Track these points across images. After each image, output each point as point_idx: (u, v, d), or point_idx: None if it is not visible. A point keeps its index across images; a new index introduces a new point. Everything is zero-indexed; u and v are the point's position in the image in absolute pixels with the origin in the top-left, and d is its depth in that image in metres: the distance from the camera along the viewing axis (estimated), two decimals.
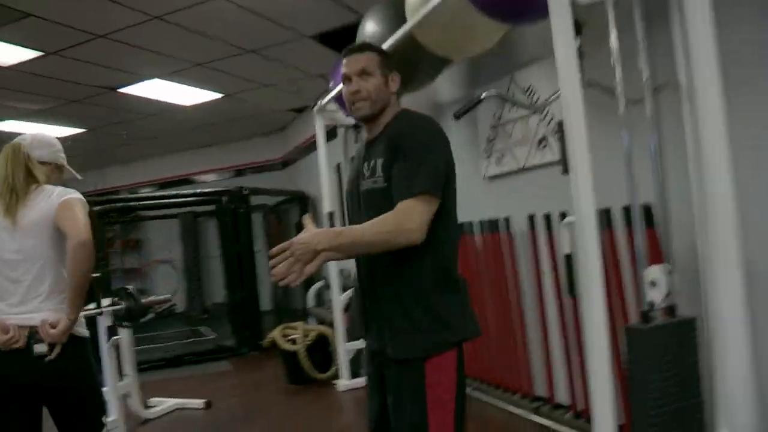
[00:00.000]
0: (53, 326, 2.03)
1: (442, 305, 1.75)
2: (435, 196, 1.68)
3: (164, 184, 10.58)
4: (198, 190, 7.38)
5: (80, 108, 6.79)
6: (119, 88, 6.18)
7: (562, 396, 3.57)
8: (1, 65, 5.12)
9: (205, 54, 5.51)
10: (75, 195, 2.15)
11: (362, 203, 1.85)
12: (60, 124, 7.44)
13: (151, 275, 10.80)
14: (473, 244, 4.24)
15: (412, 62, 3.83)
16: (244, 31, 5.05)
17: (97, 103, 6.63)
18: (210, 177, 10.16)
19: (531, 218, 3.66)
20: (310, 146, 7.15)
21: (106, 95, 6.38)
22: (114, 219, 8.75)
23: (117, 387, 3.52)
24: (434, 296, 1.74)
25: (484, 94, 3.20)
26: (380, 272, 1.80)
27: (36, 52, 4.93)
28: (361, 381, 4.65)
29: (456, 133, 4.68)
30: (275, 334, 5.30)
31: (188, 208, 9.10)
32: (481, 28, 3.22)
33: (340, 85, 4.45)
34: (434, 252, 1.74)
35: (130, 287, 3.70)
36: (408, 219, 1.62)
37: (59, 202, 2.10)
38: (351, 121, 5.05)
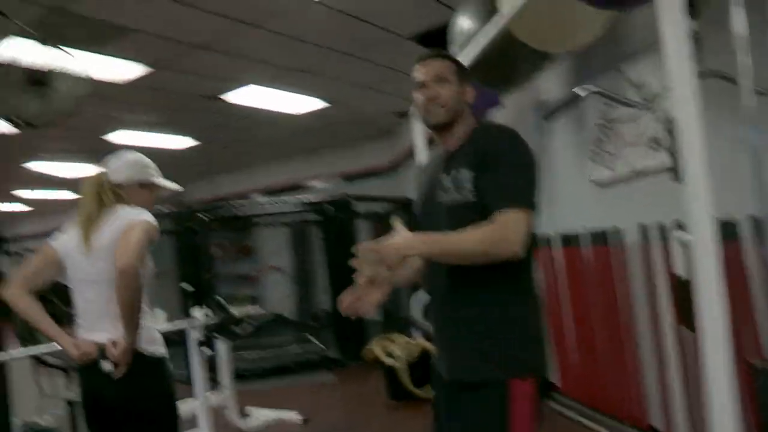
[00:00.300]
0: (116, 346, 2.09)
1: (525, 327, 1.68)
2: (533, 211, 1.63)
3: (274, 191, 10.81)
4: (301, 199, 7.40)
5: (189, 118, 6.99)
6: (221, 96, 6.29)
7: (681, 429, 3.13)
8: (114, 80, 5.33)
9: (304, 60, 5.46)
10: (139, 217, 2.15)
11: (443, 217, 1.74)
12: (171, 134, 7.72)
13: (263, 282, 11.03)
14: (578, 257, 3.87)
15: (510, 59, 3.54)
16: (342, 35, 4.97)
17: (204, 112, 6.79)
18: (319, 183, 10.22)
19: (644, 229, 3.25)
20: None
21: (210, 104, 6.51)
22: (225, 226, 8.95)
23: (207, 399, 3.48)
24: (518, 316, 1.67)
25: (578, 92, 2.86)
26: (461, 289, 1.71)
27: (144, 65, 5.09)
28: None
29: (559, 135, 4.33)
30: (374, 347, 5.16)
31: (295, 216, 9.15)
32: (583, 17, 2.89)
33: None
34: (522, 269, 1.68)
35: (221, 298, 3.69)
36: (510, 231, 1.57)
37: (123, 225, 2.12)
38: None
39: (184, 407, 3.67)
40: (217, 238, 10.53)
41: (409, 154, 8.03)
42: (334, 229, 7.12)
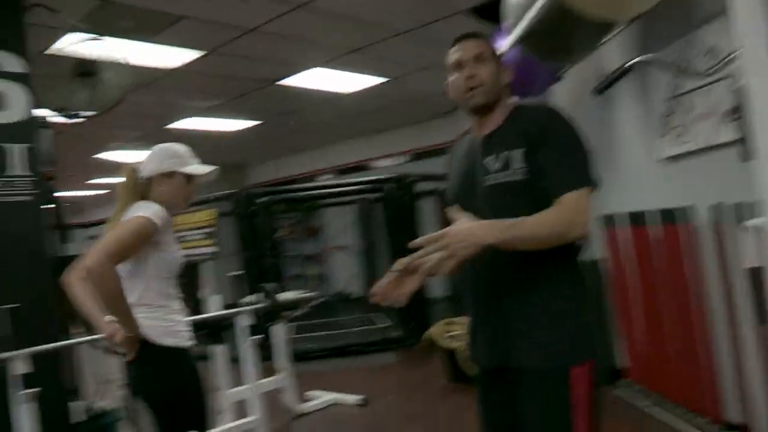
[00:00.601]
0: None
1: (581, 312, 1.64)
2: (594, 190, 1.59)
3: (340, 171, 10.86)
4: (363, 179, 7.36)
5: (248, 102, 7.03)
6: (279, 80, 6.29)
7: (763, 425, 2.89)
8: (169, 67, 5.40)
9: (358, 39, 5.38)
10: (136, 213, 2.14)
11: (488, 201, 1.67)
12: (232, 118, 7.81)
13: (330, 261, 11.12)
14: (644, 238, 3.63)
15: (567, 31, 3.32)
16: (395, 12, 4.82)
17: (262, 96, 6.81)
18: (386, 162, 10.15)
19: (716, 209, 3.00)
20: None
21: (269, 88, 6.52)
22: (291, 208, 9.03)
23: (258, 386, 3.49)
24: (574, 301, 1.63)
25: (630, 62, 2.63)
26: (517, 276, 1.64)
27: (198, 51, 5.12)
28: None
29: (623, 109, 4.06)
30: (435, 330, 5.07)
31: (360, 195, 9.12)
32: None
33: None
34: (574, 252, 1.65)
35: (269, 285, 3.68)
36: (579, 212, 1.54)
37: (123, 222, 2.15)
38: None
39: (235, 393, 3.71)
40: (283, 220, 10.71)
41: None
42: (396, 207, 7.05)
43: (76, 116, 3.74)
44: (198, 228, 6.69)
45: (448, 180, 1.88)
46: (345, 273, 10.53)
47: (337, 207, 10.00)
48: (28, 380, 2.58)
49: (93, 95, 3.66)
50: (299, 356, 6.42)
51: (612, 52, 3.98)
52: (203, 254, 6.65)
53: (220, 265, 7.19)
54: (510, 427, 1.71)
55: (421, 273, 1.62)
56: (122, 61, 3.61)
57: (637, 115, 3.79)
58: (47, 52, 4.02)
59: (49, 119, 3.73)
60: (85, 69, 3.56)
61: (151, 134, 8.14)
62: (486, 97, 1.69)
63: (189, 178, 2.31)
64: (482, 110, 1.72)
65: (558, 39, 3.42)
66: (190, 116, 7.48)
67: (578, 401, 1.59)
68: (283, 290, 5.57)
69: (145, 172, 2.28)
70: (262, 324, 3.74)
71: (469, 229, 1.51)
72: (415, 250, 1.57)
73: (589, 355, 1.63)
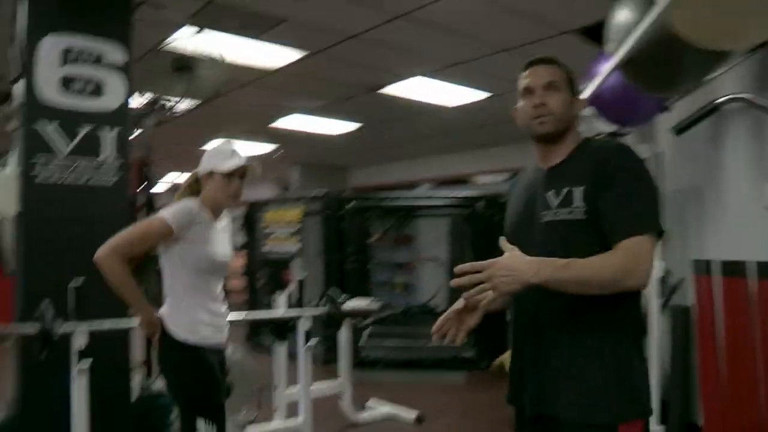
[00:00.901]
0: None
1: (638, 364, 1.56)
2: (659, 236, 1.52)
3: (442, 182, 10.80)
4: (452, 194, 7.25)
5: (348, 106, 7.10)
6: (381, 88, 6.31)
7: None
8: (271, 67, 5.55)
9: (462, 52, 5.31)
10: (157, 215, 2.33)
11: (544, 236, 1.62)
12: (336, 119, 7.94)
13: (419, 271, 11.05)
14: (740, 290, 3.31)
15: (672, 59, 3.09)
16: (501, 28, 4.74)
17: (363, 101, 6.86)
18: (485, 179, 10.00)
19: None
20: None
21: (370, 95, 6.57)
22: (385, 214, 9.01)
23: (308, 389, 3.50)
24: (629, 352, 1.54)
25: (721, 99, 2.39)
26: (571, 322, 1.56)
27: (299, 53, 5.22)
28: None
29: (732, 148, 3.74)
30: (508, 355, 4.88)
31: (453, 210, 9.00)
32: (759, 8, 2.41)
33: (595, 83, 3.87)
34: (635, 301, 1.57)
35: (332, 292, 3.67)
36: (640, 260, 1.45)
37: None
38: (609, 128, 4.36)
39: (288, 393, 3.74)
40: (375, 225, 10.75)
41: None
42: (485, 225, 6.90)
43: (171, 110, 3.90)
44: (286, 226, 6.86)
45: (507, 209, 1.83)
46: (433, 285, 10.42)
47: (431, 218, 9.93)
48: (87, 355, 2.70)
49: (188, 89, 3.80)
50: (368, 363, 6.44)
51: (727, 85, 3.68)
52: (287, 252, 6.82)
53: (309, 264, 7.35)
54: None
55: (481, 309, 1.58)
56: (218, 58, 3.72)
57: (749, 156, 3.49)
58: (152, 46, 4.22)
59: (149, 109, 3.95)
60: (183, 64, 3.70)
61: (256, 130, 8.45)
62: (554, 126, 1.64)
63: (229, 175, 2.34)
64: (549, 140, 1.67)
65: (662, 68, 3.19)
66: (293, 115, 7.66)
67: None
68: (364, 296, 5.60)
69: (199, 172, 2.40)
70: (327, 328, 3.74)
71: (516, 264, 1.45)
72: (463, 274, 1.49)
73: (640, 414, 1.54)
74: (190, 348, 2.29)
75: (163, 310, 2.36)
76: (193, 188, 2.42)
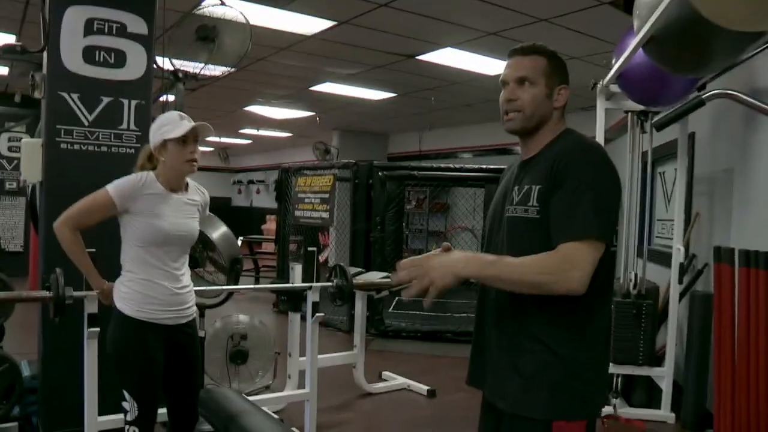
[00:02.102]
0: None
1: (588, 366, 1.52)
2: (603, 242, 1.46)
3: (480, 151, 10.71)
4: (485, 166, 7.15)
5: (385, 73, 7.06)
6: (416, 56, 6.24)
7: None
8: (304, 34, 5.55)
9: (497, 23, 5.19)
10: (104, 187, 2.34)
11: (505, 231, 1.61)
12: (371, 88, 7.90)
13: (454, 240, 11.05)
14: (763, 283, 3.21)
15: (700, 37, 2.95)
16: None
17: (399, 69, 6.81)
18: None
19: None
20: (621, 129, 6.31)
21: (405, 62, 6.51)
22: (422, 182, 8.98)
23: (316, 360, 3.58)
24: (580, 353, 1.51)
25: (707, 95, 2.28)
26: (516, 311, 1.55)
27: (329, 21, 5.20)
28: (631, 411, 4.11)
29: (765, 132, 3.59)
30: None
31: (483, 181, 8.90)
32: None
33: (620, 60, 3.75)
34: (589, 304, 1.49)
35: (344, 264, 3.72)
36: (572, 266, 1.40)
37: None
38: (638, 106, 4.22)
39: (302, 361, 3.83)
40: (413, 193, 10.77)
41: (616, 127, 7.33)
42: None
43: (199, 77, 3.95)
44: (317, 192, 6.92)
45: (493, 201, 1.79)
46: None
47: (467, 188, 9.86)
48: (102, 318, 2.83)
49: (214, 56, 3.84)
50: (390, 334, 6.52)
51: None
52: (316, 219, 6.88)
53: (341, 231, 7.42)
54: None
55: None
56: (244, 22, 3.74)
57: None
58: (177, 14, 4.27)
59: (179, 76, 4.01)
60: (207, 32, 3.73)
61: (296, 94, 8.52)
62: (521, 123, 1.61)
63: (183, 140, 2.33)
64: (520, 135, 1.64)
65: (688, 48, 3.05)
66: (332, 81, 7.67)
67: None
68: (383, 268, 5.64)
69: (151, 146, 2.41)
70: (336, 301, 3.80)
71: (447, 259, 1.44)
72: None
73: (584, 414, 1.53)
74: (129, 321, 2.30)
75: (117, 282, 2.39)
76: (147, 165, 2.43)
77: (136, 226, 2.31)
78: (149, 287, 2.32)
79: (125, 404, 2.34)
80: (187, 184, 2.48)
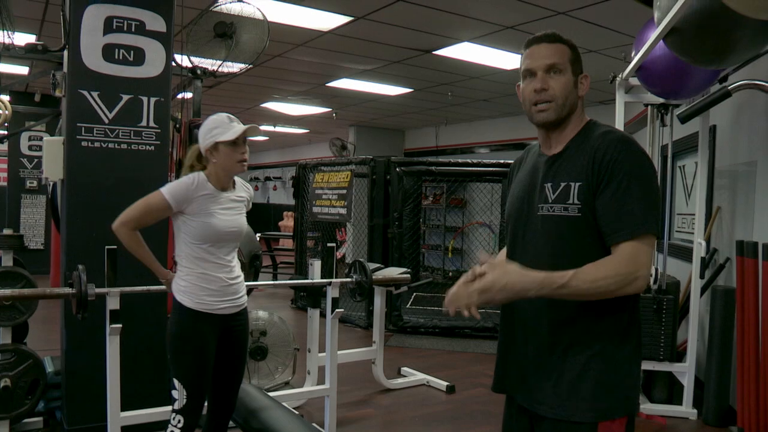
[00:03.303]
0: None
1: (627, 360, 1.50)
2: (657, 236, 1.46)
3: (498, 146, 10.68)
4: (502, 161, 7.10)
5: (402, 69, 7.05)
6: (433, 50, 6.22)
7: None
8: (321, 29, 5.55)
9: (515, 16, 5.16)
10: (158, 190, 2.42)
11: (540, 229, 1.55)
12: (387, 83, 7.90)
13: (471, 235, 11.02)
14: None
15: (725, 27, 2.91)
16: None
17: (416, 64, 6.80)
18: None
19: None
20: (641, 122, 6.25)
21: (422, 57, 6.49)
22: (438, 178, 8.97)
23: (336, 356, 3.58)
24: (618, 347, 1.49)
25: (733, 85, 2.24)
26: (553, 309, 1.49)
27: (346, 17, 5.20)
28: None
29: None
30: None
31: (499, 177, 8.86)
32: None
33: (640, 53, 3.72)
34: (626, 302, 1.47)
35: (363, 260, 3.72)
36: (639, 265, 1.39)
37: None
38: (658, 99, 4.17)
39: (322, 357, 3.84)
40: (429, 188, 10.74)
41: (630, 126, 7.26)
42: None
43: (217, 74, 3.97)
44: (334, 188, 6.92)
45: (510, 190, 1.73)
46: (484, 250, 10.38)
47: (484, 183, 9.82)
48: (124, 314, 2.86)
49: (232, 52, 3.86)
50: (409, 330, 6.52)
51: None
52: (334, 215, 6.89)
53: (358, 227, 7.43)
54: None
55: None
56: (261, 18, 3.75)
57: None
58: (196, 12, 4.30)
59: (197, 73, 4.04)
60: (225, 29, 3.75)
61: (313, 90, 8.53)
62: (556, 113, 1.54)
63: (233, 143, 2.39)
64: (551, 127, 1.57)
65: (709, 39, 3.01)
66: (348, 77, 7.68)
67: None
68: (413, 260, 5.64)
69: (201, 148, 2.46)
70: (356, 296, 3.80)
71: (511, 278, 1.36)
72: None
73: (626, 410, 1.50)
74: (188, 313, 2.40)
75: (175, 277, 2.49)
76: (196, 165, 2.50)
77: (191, 226, 2.40)
78: (206, 280, 2.42)
79: (174, 393, 2.43)
80: (234, 181, 2.56)
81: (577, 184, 1.47)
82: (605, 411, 1.46)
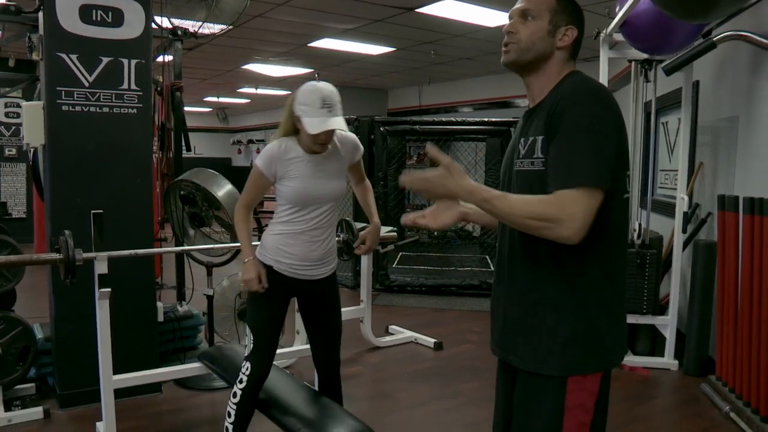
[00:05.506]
0: None
1: (603, 315, 1.48)
2: (600, 189, 1.36)
3: (481, 105, 10.64)
4: (486, 119, 7.10)
5: (384, 28, 6.96)
6: (416, 8, 6.13)
7: None
8: None
9: None
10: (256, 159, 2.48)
11: (515, 185, 1.53)
12: (369, 42, 7.80)
13: None
14: (761, 228, 3.23)
15: None
16: None
17: (398, 23, 6.70)
18: (525, 101, 9.80)
19: None
20: (624, 79, 6.24)
21: (404, 15, 6.40)
22: (418, 138, 8.96)
23: None
24: (594, 302, 1.46)
25: (718, 37, 2.24)
26: (525, 262, 1.51)
27: None
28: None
29: None
30: None
31: (487, 134, 8.85)
32: None
33: (624, 8, 3.70)
34: (597, 254, 1.45)
35: (350, 219, 3.73)
36: (564, 214, 1.32)
37: None
38: (642, 54, 4.17)
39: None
40: (414, 148, 10.72)
41: (614, 83, 7.25)
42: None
43: (197, 35, 3.90)
44: None
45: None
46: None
47: (468, 142, 9.81)
48: (113, 278, 2.87)
49: (211, 13, 3.79)
50: (395, 288, 6.59)
51: None
52: None
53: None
54: (507, 418, 1.64)
55: (456, 205, 1.48)
56: None
57: None
58: None
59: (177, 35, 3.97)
60: None
61: (294, 51, 8.40)
62: (516, 55, 1.53)
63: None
64: (515, 70, 1.56)
65: None
66: (330, 37, 7.56)
67: (575, 412, 1.46)
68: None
69: (294, 111, 2.38)
70: (348, 254, 3.81)
71: (451, 181, 1.37)
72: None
73: (599, 366, 1.49)
74: (267, 270, 2.47)
75: (265, 231, 2.58)
76: (288, 127, 2.44)
77: (281, 190, 2.43)
78: (288, 244, 2.46)
79: (247, 339, 2.55)
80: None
81: (540, 137, 1.45)
82: (576, 366, 1.46)
